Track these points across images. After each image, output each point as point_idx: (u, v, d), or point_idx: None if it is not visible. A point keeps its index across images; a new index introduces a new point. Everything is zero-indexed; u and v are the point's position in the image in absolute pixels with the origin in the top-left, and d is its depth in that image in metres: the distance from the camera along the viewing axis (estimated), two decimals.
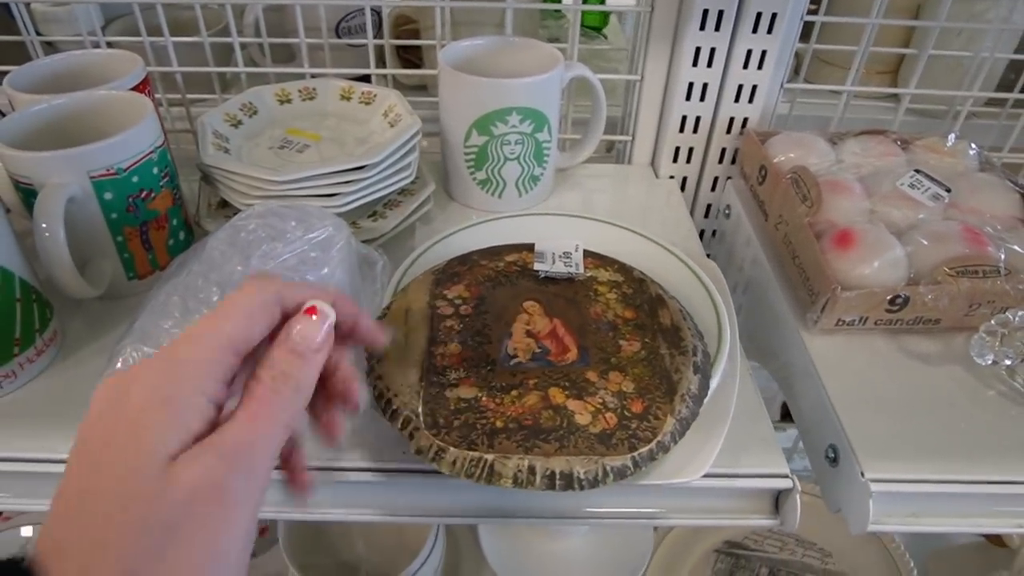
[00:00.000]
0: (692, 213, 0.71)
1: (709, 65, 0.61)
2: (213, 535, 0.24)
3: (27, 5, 0.67)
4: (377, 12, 0.74)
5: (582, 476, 0.33)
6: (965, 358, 0.47)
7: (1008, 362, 0.46)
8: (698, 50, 0.60)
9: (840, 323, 0.49)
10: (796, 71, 0.81)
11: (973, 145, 0.60)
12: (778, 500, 0.41)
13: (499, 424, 0.35)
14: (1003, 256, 0.48)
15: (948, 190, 0.54)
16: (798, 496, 0.40)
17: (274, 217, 0.41)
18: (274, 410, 0.27)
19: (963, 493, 0.41)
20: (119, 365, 0.39)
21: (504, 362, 0.39)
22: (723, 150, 0.66)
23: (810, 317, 0.49)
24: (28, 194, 0.46)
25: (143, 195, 0.48)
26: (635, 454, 0.34)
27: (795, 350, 0.50)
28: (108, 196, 0.46)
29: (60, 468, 0.25)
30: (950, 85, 0.71)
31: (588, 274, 0.46)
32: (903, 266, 0.49)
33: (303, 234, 0.41)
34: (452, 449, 0.34)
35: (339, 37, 0.78)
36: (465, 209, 0.62)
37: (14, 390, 0.44)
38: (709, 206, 0.70)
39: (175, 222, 0.52)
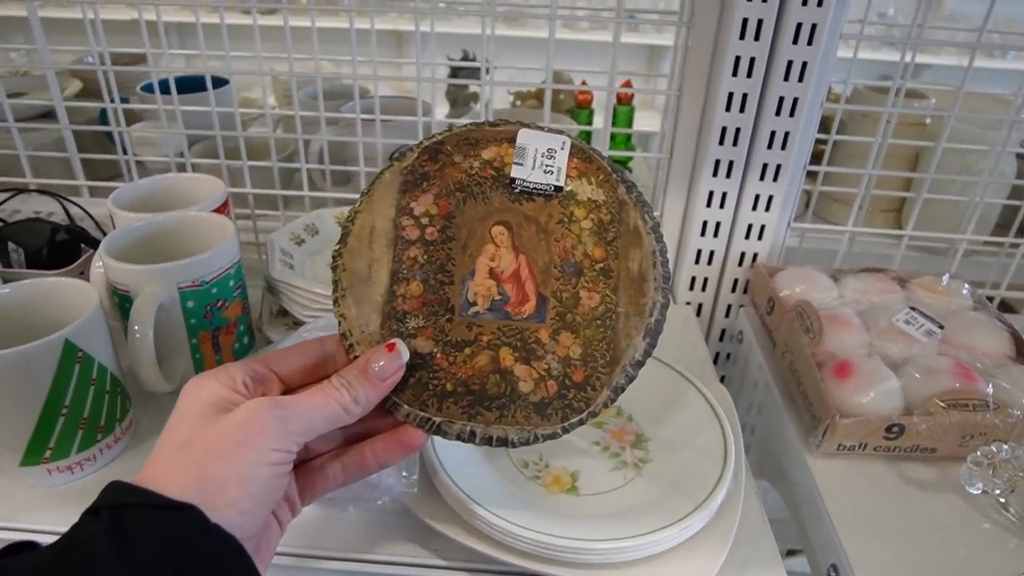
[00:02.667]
0: (707, 336, 0.76)
1: (722, 206, 0.68)
2: (252, 452, 0.32)
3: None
4: None
5: (515, 440, 0.38)
6: (961, 487, 0.51)
7: (998, 492, 0.49)
8: (711, 193, 0.67)
9: (841, 448, 0.53)
10: (806, 206, 0.89)
11: (966, 285, 0.65)
12: None
13: (448, 387, 0.38)
14: (991, 391, 0.52)
15: (941, 327, 0.58)
16: None
17: (334, 330, 0.47)
18: (327, 400, 0.35)
19: None
20: None
21: (464, 310, 0.39)
22: (735, 281, 0.72)
23: (812, 441, 0.53)
24: (123, 299, 0.53)
25: (219, 304, 0.55)
26: (565, 423, 0.38)
27: (800, 471, 0.54)
28: (190, 304, 0.53)
29: None
30: (950, 224, 0.77)
31: (568, 188, 0.42)
32: (898, 397, 0.53)
33: None
34: (405, 406, 0.38)
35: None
36: None
37: (93, 472, 0.49)
38: (723, 331, 0.76)
39: (242, 328, 0.58)
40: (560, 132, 0.43)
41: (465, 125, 0.43)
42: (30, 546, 0.30)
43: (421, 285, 0.40)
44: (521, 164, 0.42)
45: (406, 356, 0.37)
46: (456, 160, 0.42)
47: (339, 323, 0.39)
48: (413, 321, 0.39)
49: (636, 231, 0.42)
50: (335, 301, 0.40)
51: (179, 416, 0.34)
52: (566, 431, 0.39)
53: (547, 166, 0.42)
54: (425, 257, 0.40)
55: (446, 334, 0.39)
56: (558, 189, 0.42)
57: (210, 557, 0.29)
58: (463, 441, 0.38)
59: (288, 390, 0.37)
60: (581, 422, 0.39)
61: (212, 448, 0.31)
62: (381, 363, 0.36)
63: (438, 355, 0.39)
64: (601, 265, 0.41)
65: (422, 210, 0.41)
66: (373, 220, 0.41)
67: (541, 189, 0.42)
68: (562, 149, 0.42)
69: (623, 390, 0.40)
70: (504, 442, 0.38)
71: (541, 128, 0.43)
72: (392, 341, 0.38)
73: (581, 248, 0.41)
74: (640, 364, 0.40)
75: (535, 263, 0.41)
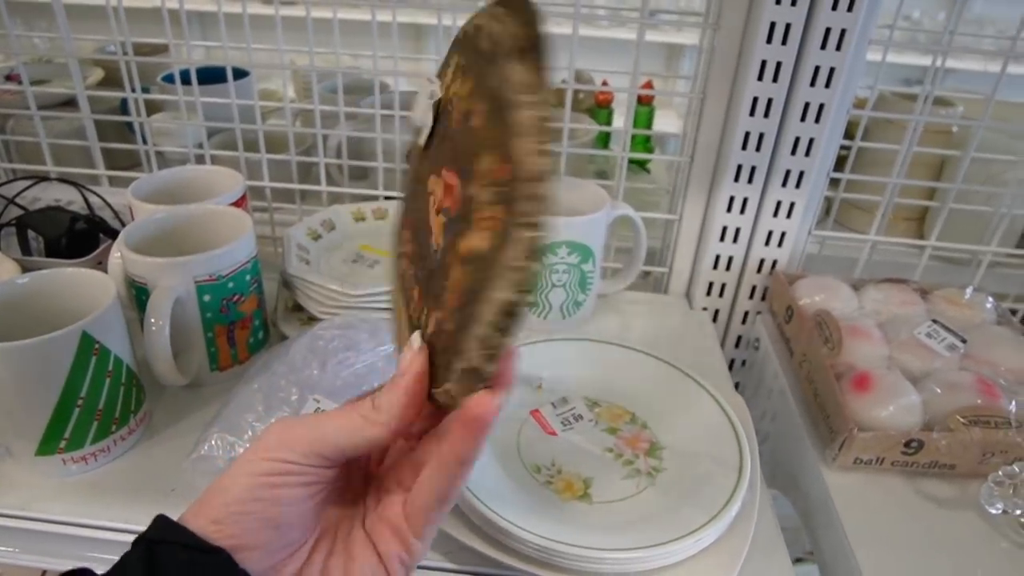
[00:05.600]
0: (723, 342, 0.75)
1: (742, 212, 0.67)
2: (239, 463, 0.31)
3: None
4: None
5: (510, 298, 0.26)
6: (980, 505, 0.50)
7: (1018, 512, 0.48)
8: (732, 198, 0.66)
9: (858, 461, 0.52)
10: (827, 212, 0.88)
11: (990, 299, 0.64)
12: None
13: (450, 327, 0.29)
14: (1014, 408, 0.52)
15: (964, 341, 0.57)
16: None
17: (351, 329, 0.47)
18: (346, 411, 0.31)
19: None
20: (204, 449, 0.44)
21: (436, 261, 0.32)
22: (753, 287, 0.71)
23: (829, 453, 0.53)
24: (140, 291, 0.53)
25: (235, 299, 0.55)
26: (527, 224, 0.26)
27: (815, 483, 0.53)
28: (207, 298, 0.53)
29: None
30: (974, 234, 0.75)
31: (443, 92, 0.34)
32: (918, 412, 0.52)
33: (374, 347, 0.46)
34: (448, 384, 0.29)
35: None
36: None
37: (106, 463, 0.50)
38: (740, 337, 0.75)
39: (257, 322, 0.58)
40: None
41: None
42: (85, 573, 0.31)
43: (418, 288, 0.34)
44: (421, 129, 0.35)
45: (417, 342, 0.31)
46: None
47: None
48: (423, 318, 0.33)
49: (476, 28, 0.32)
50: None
51: None
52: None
53: (430, 103, 0.35)
54: (413, 267, 0.36)
55: (439, 297, 0.31)
56: (438, 103, 0.34)
57: None
58: (492, 358, 0.27)
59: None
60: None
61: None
62: (403, 362, 0.31)
63: (438, 316, 0.31)
64: (471, 87, 0.31)
65: (404, 243, 0.38)
66: (398, 271, 0.39)
67: (432, 119, 0.35)
68: (433, 84, 0.35)
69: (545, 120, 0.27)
70: (512, 313, 0.26)
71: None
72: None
73: (463, 104, 0.31)
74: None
75: (451, 162, 0.32)
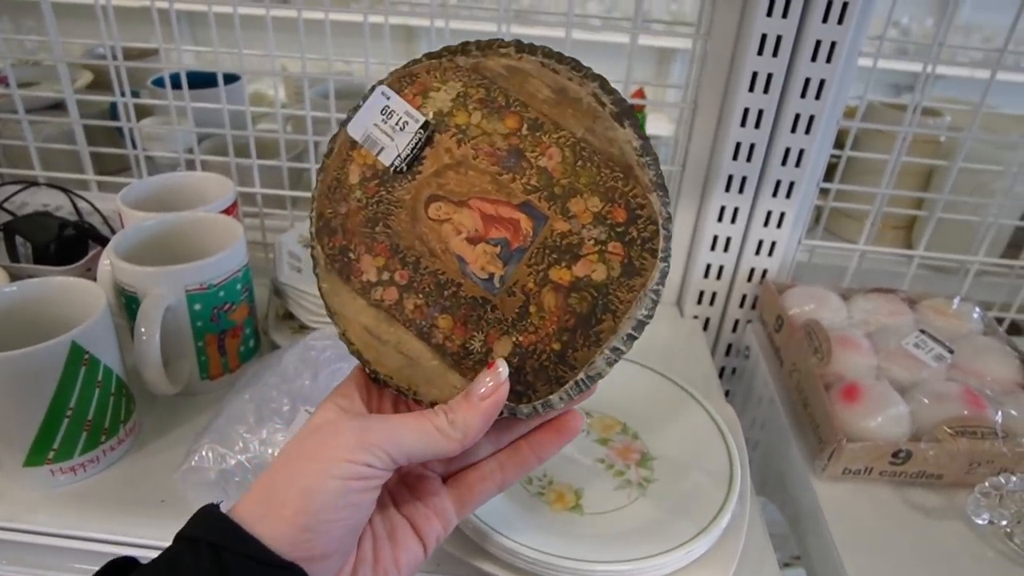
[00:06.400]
0: (714, 351, 0.75)
1: (733, 221, 0.67)
2: (318, 463, 0.30)
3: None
4: None
5: (647, 311, 0.33)
6: (967, 515, 0.50)
7: (1004, 523, 0.48)
8: (723, 208, 0.67)
9: (847, 471, 0.52)
10: (817, 220, 0.88)
11: (977, 309, 0.65)
12: None
13: (556, 347, 0.33)
14: (1000, 419, 0.52)
15: (951, 351, 0.58)
16: None
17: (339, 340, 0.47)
18: (420, 419, 0.32)
19: None
20: (195, 460, 0.44)
21: (491, 289, 0.34)
22: (744, 296, 0.72)
23: (818, 464, 0.53)
24: (130, 300, 0.53)
25: (226, 307, 0.55)
26: (662, 257, 0.33)
27: (804, 492, 0.53)
28: (197, 307, 0.53)
29: (124, 551, 0.30)
30: (962, 242, 0.76)
31: (429, 116, 0.35)
32: (906, 422, 0.52)
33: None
34: (551, 396, 0.34)
35: None
36: None
37: (95, 474, 0.49)
38: (730, 346, 0.75)
39: (248, 331, 0.58)
40: (371, 90, 0.36)
41: (317, 176, 0.37)
42: (130, 561, 0.30)
43: (448, 316, 0.35)
44: (382, 149, 0.35)
45: (505, 370, 0.33)
46: (343, 211, 0.36)
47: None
48: (477, 343, 0.34)
49: (515, 70, 0.35)
50: (419, 403, 0.36)
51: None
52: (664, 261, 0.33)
53: (397, 123, 0.35)
54: (421, 297, 0.35)
55: (508, 320, 0.34)
56: (426, 127, 0.35)
57: None
58: (613, 364, 0.34)
59: None
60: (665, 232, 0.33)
61: (284, 460, 0.31)
62: (480, 381, 0.33)
63: (519, 339, 0.34)
64: (523, 127, 0.34)
65: (374, 272, 0.36)
66: (358, 323, 0.36)
67: (416, 143, 0.35)
68: (389, 99, 0.36)
69: (662, 177, 0.33)
70: (643, 325, 0.33)
71: (356, 107, 0.36)
72: (493, 360, 0.34)
73: (495, 136, 0.35)
74: (648, 145, 0.34)
75: (486, 191, 0.34)
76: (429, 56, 0.36)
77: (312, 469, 0.29)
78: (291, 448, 0.31)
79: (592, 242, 0.33)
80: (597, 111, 0.33)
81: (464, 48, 0.35)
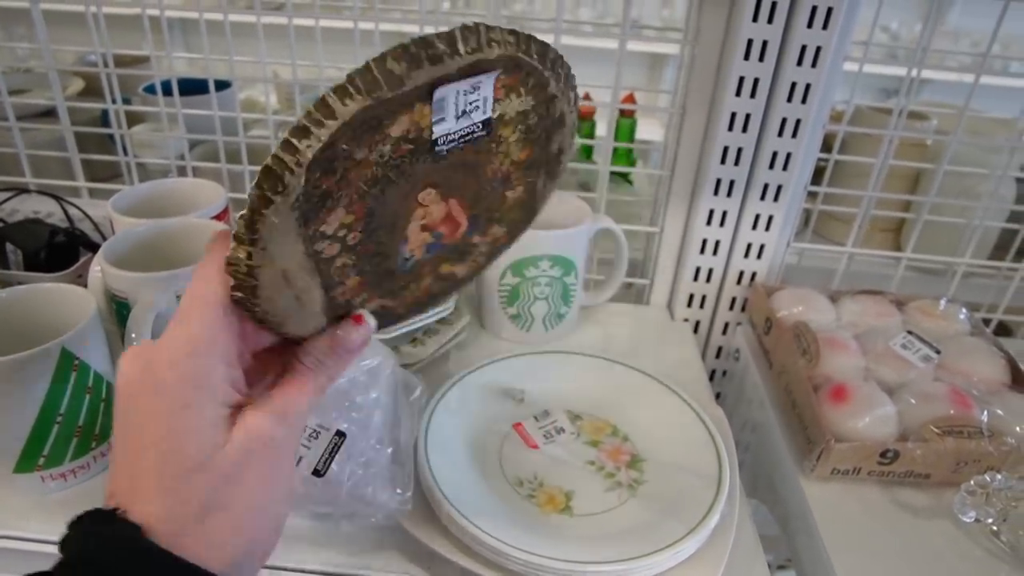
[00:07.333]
0: (704, 353, 0.76)
1: (722, 225, 0.68)
2: (266, 479, 0.30)
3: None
4: None
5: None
6: (954, 513, 0.51)
7: (991, 520, 0.49)
8: (712, 211, 0.67)
9: (835, 472, 0.53)
10: (806, 223, 0.89)
11: (964, 310, 0.65)
12: None
13: (401, 312, 0.40)
14: (986, 418, 0.53)
15: (938, 352, 0.59)
16: None
17: None
18: (317, 383, 0.33)
19: None
20: None
21: (401, 268, 0.36)
22: (733, 299, 0.72)
23: (807, 464, 0.53)
24: (121, 306, 0.53)
25: None
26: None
27: (793, 493, 0.54)
28: None
29: None
30: (950, 244, 0.77)
31: (495, 115, 0.33)
32: (893, 423, 0.53)
33: (357, 361, 0.46)
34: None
35: None
36: (496, 339, 0.68)
37: (86, 480, 0.49)
38: (720, 348, 0.76)
39: None
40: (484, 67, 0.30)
41: (356, 97, 0.28)
42: None
43: (358, 277, 0.34)
44: (443, 119, 0.31)
45: (373, 323, 0.36)
46: (359, 157, 0.30)
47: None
48: (358, 299, 0.36)
49: (561, 118, 0.35)
50: (281, 336, 0.34)
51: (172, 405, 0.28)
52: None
53: (471, 103, 0.31)
54: (354, 258, 0.33)
55: (391, 289, 0.37)
56: (486, 124, 0.33)
57: None
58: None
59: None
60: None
61: (247, 498, 0.29)
62: (351, 336, 0.35)
63: (387, 303, 0.38)
64: (527, 162, 0.36)
65: (336, 226, 0.31)
66: (280, 266, 0.31)
67: (468, 134, 0.32)
68: (488, 78, 0.31)
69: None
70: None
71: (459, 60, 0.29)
72: (359, 313, 0.35)
73: (508, 160, 0.35)
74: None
75: (464, 198, 0.36)
76: (541, 55, 0.32)
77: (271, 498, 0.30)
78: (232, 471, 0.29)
79: (478, 255, 0.40)
80: (554, 178, 0.39)
81: (565, 73, 0.34)
